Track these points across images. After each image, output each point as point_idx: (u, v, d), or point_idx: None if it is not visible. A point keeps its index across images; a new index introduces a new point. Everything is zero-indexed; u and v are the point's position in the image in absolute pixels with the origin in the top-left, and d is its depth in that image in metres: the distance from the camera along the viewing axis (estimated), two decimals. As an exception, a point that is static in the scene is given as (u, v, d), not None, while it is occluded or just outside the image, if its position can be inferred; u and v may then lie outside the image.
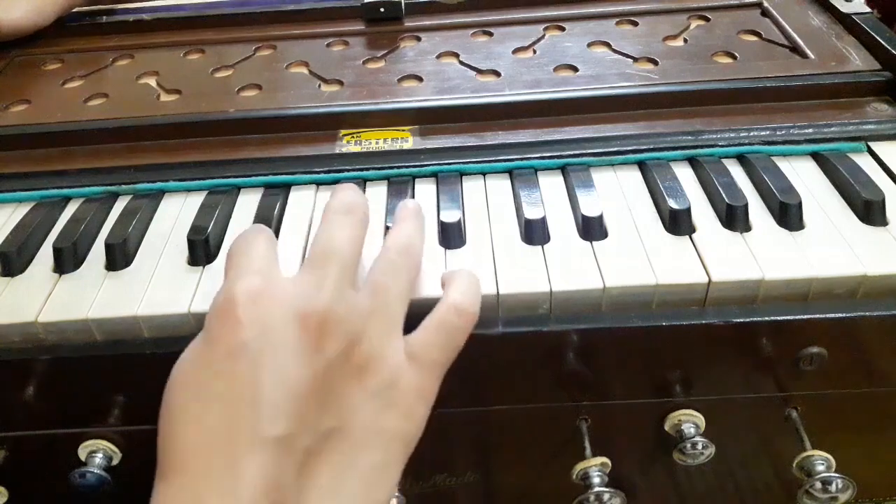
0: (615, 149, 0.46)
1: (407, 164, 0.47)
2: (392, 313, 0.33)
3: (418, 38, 0.61)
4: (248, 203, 0.45)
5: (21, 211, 0.46)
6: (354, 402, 0.31)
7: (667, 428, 0.42)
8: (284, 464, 0.29)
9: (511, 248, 0.40)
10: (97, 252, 0.43)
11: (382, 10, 0.63)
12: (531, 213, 0.42)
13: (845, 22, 0.56)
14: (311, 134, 0.50)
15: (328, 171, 0.47)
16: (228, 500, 0.27)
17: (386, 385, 0.32)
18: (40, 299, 0.39)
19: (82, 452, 0.41)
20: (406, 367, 0.32)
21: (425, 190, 0.45)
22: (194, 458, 0.28)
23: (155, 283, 0.40)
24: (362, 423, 0.31)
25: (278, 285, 0.32)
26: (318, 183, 0.47)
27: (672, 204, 0.41)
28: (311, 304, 0.31)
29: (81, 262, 0.42)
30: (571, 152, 0.46)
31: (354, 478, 0.30)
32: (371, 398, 0.31)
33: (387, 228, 0.42)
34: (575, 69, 0.54)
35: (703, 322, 0.37)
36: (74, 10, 0.68)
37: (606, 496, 0.39)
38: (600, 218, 0.41)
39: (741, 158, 0.46)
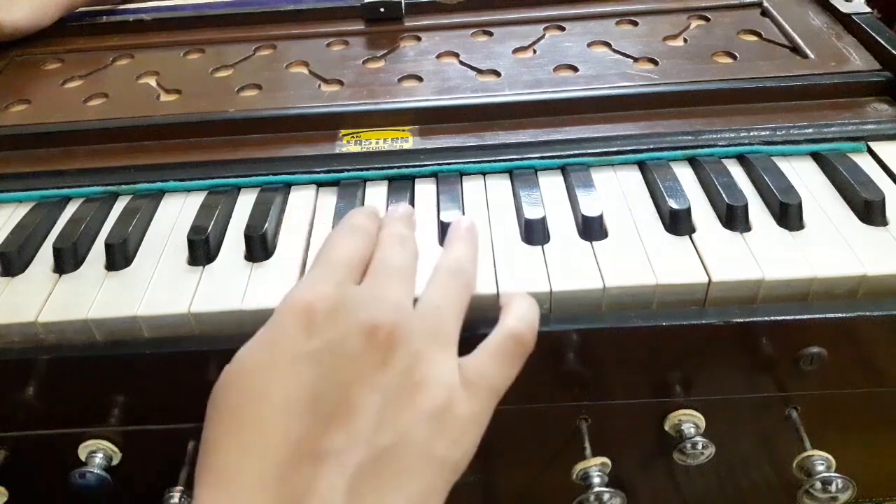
0: (615, 149, 0.46)
1: (407, 164, 0.47)
2: (447, 335, 0.33)
3: (418, 38, 0.61)
4: (247, 203, 0.45)
5: (21, 211, 0.46)
6: (409, 422, 0.30)
7: (667, 428, 0.42)
8: (336, 478, 0.28)
9: (511, 248, 0.40)
10: (97, 252, 0.43)
11: (382, 10, 0.63)
12: (531, 213, 0.42)
13: (845, 22, 0.57)
14: (311, 134, 0.51)
15: (328, 171, 0.47)
16: None
17: (440, 410, 0.31)
18: (40, 299, 0.39)
19: (82, 452, 0.41)
20: (461, 392, 0.31)
21: (425, 190, 0.45)
22: (244, 466, 0.28)
23: (155, 283, 0.40)
24: (413, 446, 0.30)
25: (351, 297, 0.31)
26: (319, 183, 0.47)
27: (672, 204, 0.41)
28: (380, 317, 0.31)
29: (81, 262, 0.42)
30: (571, 152, 0.46)
31: (400, 501, 0.29)
32: (424, 421, 0.30)
33: None
34: (575, 69, 0.54)
35: (703, 322, 0.37)
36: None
37: (606, 496, 0.39)
38: (600, 218, 0.41)
39: (741, 158, 0.46)
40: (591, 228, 0.41)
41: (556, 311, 0.38)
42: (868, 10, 0.57)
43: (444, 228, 0.41)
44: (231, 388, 0.30)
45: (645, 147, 0.46)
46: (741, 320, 0.37)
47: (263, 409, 0.29)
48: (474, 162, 0.46)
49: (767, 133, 0.47)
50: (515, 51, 0.57)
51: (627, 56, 0.55)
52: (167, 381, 0.39)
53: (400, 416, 0.30)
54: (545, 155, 0.46)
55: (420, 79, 0.55)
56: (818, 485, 0.38)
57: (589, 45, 0.57)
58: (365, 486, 0.28)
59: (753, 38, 0.57)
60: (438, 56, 0.58)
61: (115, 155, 0.50)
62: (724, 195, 0.42)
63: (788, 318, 0.37)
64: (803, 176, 0.44)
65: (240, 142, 0.50)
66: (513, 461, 0.45)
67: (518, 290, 0.37)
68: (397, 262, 0.34)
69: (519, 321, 0.34)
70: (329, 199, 0.45)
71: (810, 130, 0.47)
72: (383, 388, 0.30)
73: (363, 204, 0.45)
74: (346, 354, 0.30)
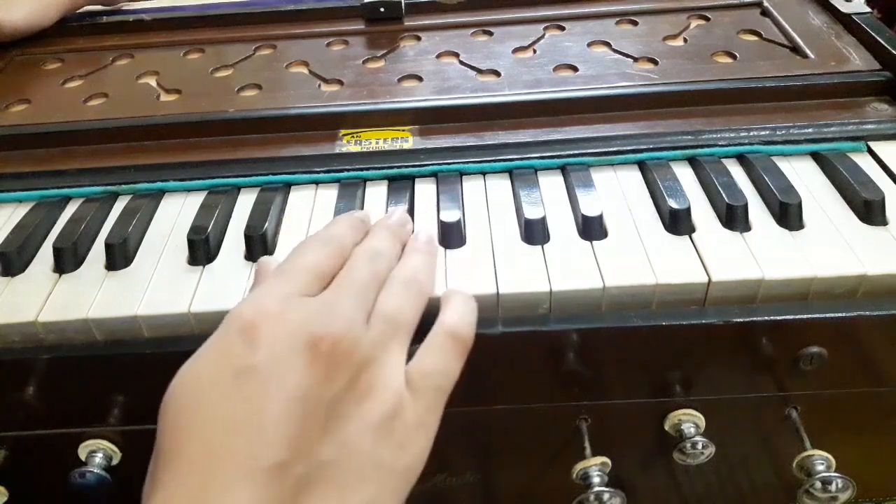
0: (615, 149, 0.46)
1: (407, 164, 0.47)
2: (396, 344, 0.33)
3: (418, 38, 0.61)
4: (247, 203, 0.45)
5: (21, 211, 0.46)
6: (354, 431, 0.30)
7: (667, 428, 0.42)
8: (277, 492, 0.28)
9: (511, 248, 0.40)
10: (97, 252, 0.43)
11: (382, 9, 0.63)
12: (531, 212, 0.42)
13: (845, 22, 0.57)
14: (311, 134, 0.51)
15: (328, 171, 0.47)
16: None
17: (387, 415, 0.31)
18: (40, 299, 0.39)
19: (82, 452, 0.41)
20: (407, 396, 0.32)
21: (425, 190, 0.45)
22: (186, 477, 0.28)
23: (155, 283, 0.40)
24: (359, 456, 0.30)
25: (297, 309, 0.32)
26: (318, 183, 0.47)
27: (672, 204, 0.41)
28: (324, 330, 0.31)
29: (81, 262, 0.42)
30: (571, 152, 0.46)
31: None
32: (371, 429, 0.30)
33: None
34: (575, 69, 0.54)
35: (703, 322, 0.37)
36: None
37: (606, 496, 0.39)
38: (600, 218, 0.41)
39: (741, 158, 0.46)
40: (591, 228, 0.41)
41: (556, 311, 0.38)
42: (868, 9, 0.57)
43: (444, 229, 0.41)
44: (177, 402, 0.30)
45: (645, 147, 0.46)
46: (741, 320, 0.37)
47: (206, 424, 0.29)
48: (474, 162, 0.46)
49: (767, 133, 0.47)
50: (515, 51, 0.57)
51: (627, 56, 0.55)
52: (167, 381, 0.39)
53: (344, 428, 0.30)
54: (545, 155, 0.46)
55: (420, 79, 0.55)
56: (818, 484, 0.39)
57: (589, 44, 0.57)
58: (308, 498, 0.28)
59: (753, 37, 0.57)
60: (438, 56, 0.58)
61: (115, 155, 0.50)
62: (724, 195, 0.42)
63: (788, 317, 0.37)
64: (803, 176, 0.44)
65: (239, 142, 0.50)
66: (513, 461, 0.45)
67: (457, 288, 0.37)
68: (360, 276, 0.34)
69: (456, 318, 0.34)
70: (329, 198, 0.45)
71: (810, 130, 0.47)
72: (327, 400, 0.30)
73: (363, 204, 0.45)
74: (289, 368, 0.29)
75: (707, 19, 0.60)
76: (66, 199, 0.47)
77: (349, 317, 0.32)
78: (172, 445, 0.29)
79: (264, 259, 0.38)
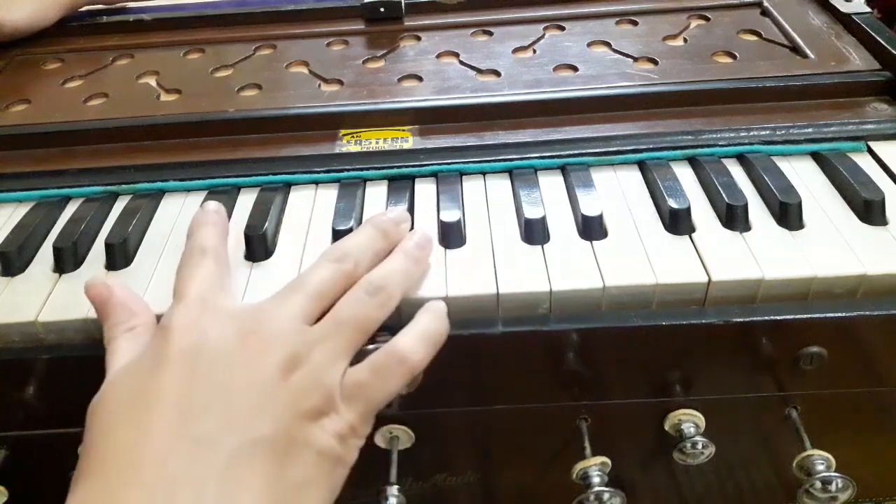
0: (615, 148, 0.46)
1: (407, 164, 0.47)
2: (339, 348, 0.33)
3: (418, 38, 0.61)
4: (247, 203, 0.45)
5: (21, 211, 0.46)
6: (286, 416, 0.31)
7: (667, 427, 0.42)
8: (210, 461, 0.29)
9: (511, 248, 0.40)
10: (97, 252, 0.43)
11: (382, 9, 0.63)
12: (531, 212, 0.42)
13: (845, 22, 0.57)
14: (311, 134, 0.51)
15: (328, 171, 0.47)
16: (146, 494, 0.28)
17: (316, 412, 0.32)
18: (40, 299, 0.39)
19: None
20: (338, 399, 0.32)
21: (425, 190, 0.45)
22: (115, 458, 0.29)
23: (155, 283, 0.40)
24: (292, 437, 0.31)
25: (218, 308, 0.33)
26: (318, 183, 0.47)
27: (672, 203, 0.41)
28: (256, 324, 0.32)
29: (81, 262, 0.42)
30: (571, 152, 0.46)
31: (283, 487, 0.30)
32: (302, 418, 0.31)
33: None
34: (575, 69, 0.54)
35: (703, 322, 0.37)
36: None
37: (606, 496, 0.39)
38: (600, 217, 0.41)
39: (741, 158, 0.46)
40: (591, 228, 0.41)
41: (556, 311, 0.38)
42: (868, 9, 0.57)
43: (444, 228, 0.41)
44: (101, 402, 0.32)
45: (645, 147, 0.46)
46: (741, 320, 0.37)
47: (138, 404, 0.30)
48: (474, 162, 0.46)
49: (767, 133, 0.47)
50: (515, 50, 0.57)
51: (627, 56, 0.55)
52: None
53: (275, 410, 0.31)
54: (545, 155, 0.46)
55: (420, 79, 0.55)
56: (818, 484, 0.39)
57: (589, 44, 0.57)
58: (241, 469, 0.29)
59: (753, 37, 0.57)
60: (438, 56, 0.58)
61: (115, 155, 0.50)
62: (723, 195, 0.42)
63: (788, 317, 0.37)
64: (803, 176, 0.44)
65: (239, 142, 0.50)
66: (513, 461, 0.45)
67: (437, 303, 0.36)
68: (314, 278, 0.35)
69: (411, 341, 0.34)
70: (329, 198, 0.45)
71: (810, 130, 0.47)
72: (256, 382, 0.31)
73: (363, 204, 0.45)
74: (214, 353, 0.31)
75: (707, 19, 0.60)
76: (66, 199, 0.47)
77: (290, 315, 0.33)
78: (99, 437, 0.30)
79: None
